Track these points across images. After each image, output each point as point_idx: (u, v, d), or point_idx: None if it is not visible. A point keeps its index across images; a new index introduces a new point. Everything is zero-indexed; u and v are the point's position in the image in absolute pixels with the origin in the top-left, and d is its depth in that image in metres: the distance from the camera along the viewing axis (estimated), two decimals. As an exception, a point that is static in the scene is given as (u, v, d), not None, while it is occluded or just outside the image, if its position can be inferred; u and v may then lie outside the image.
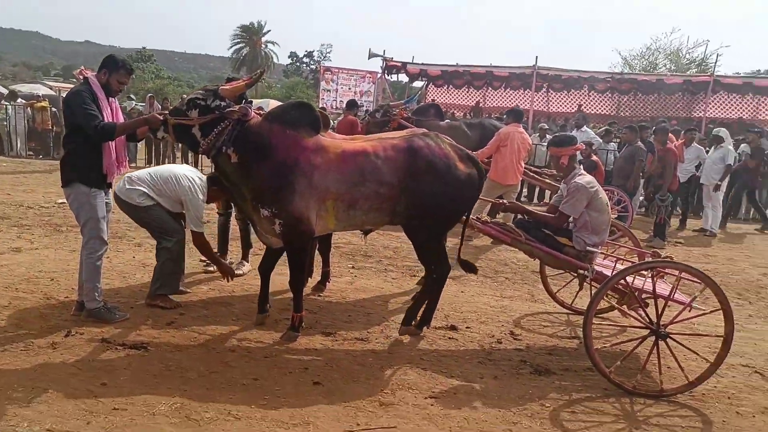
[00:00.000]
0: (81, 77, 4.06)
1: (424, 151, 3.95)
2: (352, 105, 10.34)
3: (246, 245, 5.66)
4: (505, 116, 8.73)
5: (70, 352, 3.58)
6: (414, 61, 18.48)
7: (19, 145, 14.16)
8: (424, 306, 4.24)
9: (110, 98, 4.04)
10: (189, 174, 4.54)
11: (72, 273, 4.93)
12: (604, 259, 4.46)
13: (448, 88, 19.45)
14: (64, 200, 7.89)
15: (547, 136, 10.91)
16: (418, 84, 20.24)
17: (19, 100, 15.17)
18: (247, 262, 5.64)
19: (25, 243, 6.10)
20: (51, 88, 24.08)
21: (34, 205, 8.06)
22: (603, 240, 4.26)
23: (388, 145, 3.99)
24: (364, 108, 16.83)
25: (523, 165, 7.73)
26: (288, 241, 3.92)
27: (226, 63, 71.29)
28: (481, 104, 19.04)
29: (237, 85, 3.97)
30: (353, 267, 6.06)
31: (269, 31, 55.10)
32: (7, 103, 14.56)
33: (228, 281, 4.75)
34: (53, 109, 14.49)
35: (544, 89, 18.22)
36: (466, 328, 4.49)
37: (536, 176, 8.48)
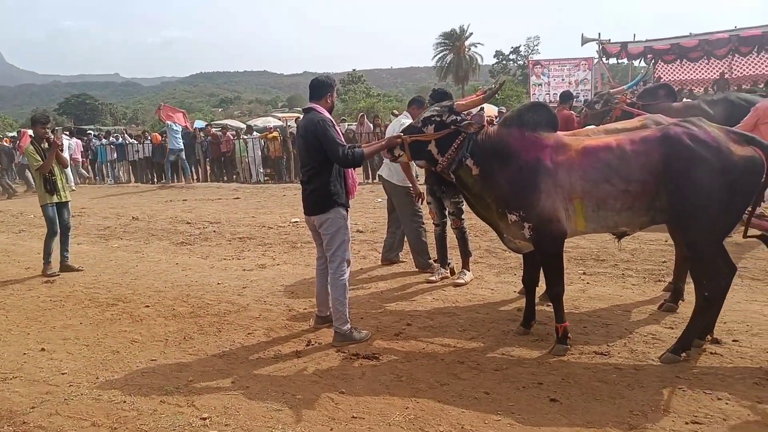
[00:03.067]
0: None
1: (683, 138, 3.56)
2: (566, 97, 9.70)
3: (465, 254, 5.72)
4: (762, 86, 7.47)
5: (312, 360, 3.99)
6: (636, 40, 17.04)
7: (256, 172, 16.47)
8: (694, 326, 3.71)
9: None
10: None
11: (309, 286, 5.52)
12: None
13: (681, 62, 17.56)
14: (297, 219, 9.01)
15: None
16: (642, 64, 18.63)
17: (254, 133, 17.73)
18: (468, 271, 5.70)
19: (268, 260, 7.03)
20: (279, 119, 27.68)
21: (274, 225, 9.27)
22: None
23: (637, 137, 3.70)
24: (581, 98, 16.01)
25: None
26: (540, 244, 3.85)
27: (431, 72, 74.09)
28: (726, 75, 16.69)
29: (473, 99, 4.13)
30: (584, 273, 5.72)
31: (471, 33, 55.70)
32: (246, 137, 17.11)
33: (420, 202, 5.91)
34: (282, 138, 16.58)
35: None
36: (734, 341, 3.89)
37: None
